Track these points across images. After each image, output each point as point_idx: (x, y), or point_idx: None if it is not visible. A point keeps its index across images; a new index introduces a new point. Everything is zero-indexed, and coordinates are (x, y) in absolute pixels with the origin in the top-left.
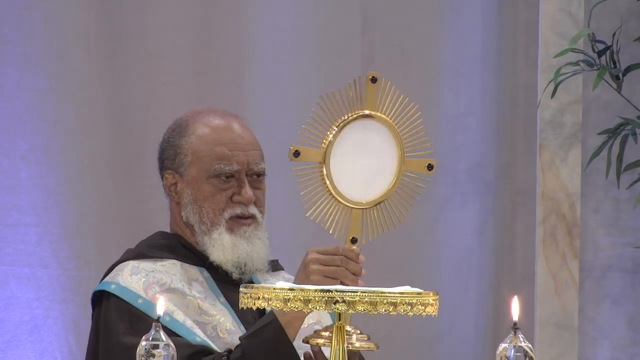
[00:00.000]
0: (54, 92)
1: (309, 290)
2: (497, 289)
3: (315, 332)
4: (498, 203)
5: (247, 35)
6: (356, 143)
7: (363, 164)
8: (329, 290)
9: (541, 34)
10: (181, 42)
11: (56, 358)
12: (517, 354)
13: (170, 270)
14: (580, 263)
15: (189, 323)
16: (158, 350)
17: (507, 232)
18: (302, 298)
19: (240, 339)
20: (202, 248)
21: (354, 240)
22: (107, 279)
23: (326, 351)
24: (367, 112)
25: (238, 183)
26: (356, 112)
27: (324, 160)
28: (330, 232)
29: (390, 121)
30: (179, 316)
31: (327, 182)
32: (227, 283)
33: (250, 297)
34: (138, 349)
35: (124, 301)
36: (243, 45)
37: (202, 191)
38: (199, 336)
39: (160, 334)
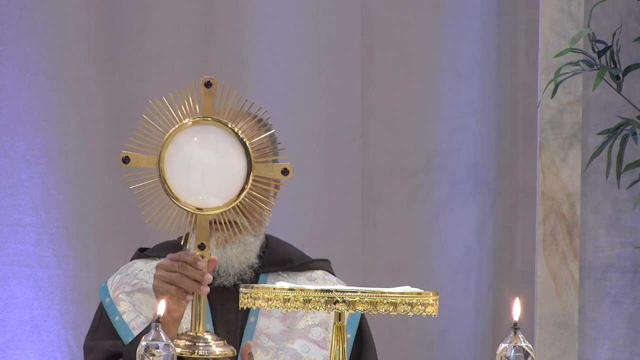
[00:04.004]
0: (54, 92)
1: (309, 290)
2: (497, 289)
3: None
4: (498, 203)
5: (247, 35)
6: (193, 148)
7: (204, 169)
8: (329, 291)
9: (541, 34)
10: (181, 42)
11: (56, 358)
12: (517, 354)
13: None
14: (580, 263)
15: (133, 325)
16: (158, 350)
17: (507, 232)
18: (301, 298)
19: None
20: None
21: (201, 247)
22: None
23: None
24: (201, 117)
25: None
26: (191, 117)
27: (159, 166)
28: (176, 238)
29: (231, 125)
30: (128, 317)
31: (165, 187)
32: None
33: (250, 297)
34: (138, 349)
35: (101, 300)
36: (243, 45)
37: None
38: None
39: (160, 334)
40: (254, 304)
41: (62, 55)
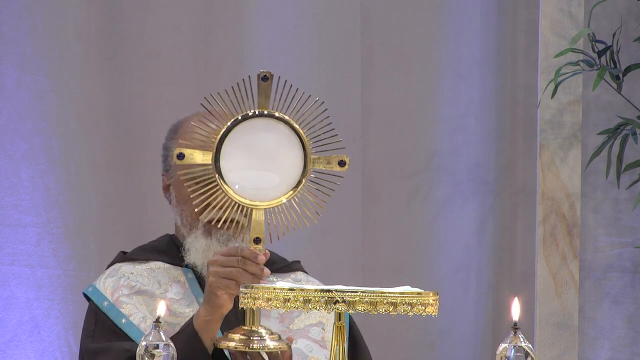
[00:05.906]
0: (54, 92)
1: (309, 290)
2: (497, 289)
3: (225, 334)
4: (498, 203)
5: (247, 35)
6: (250, 142)
7: (260, 164)
8: (329, 290)
9: (541, 34)
10: (181, 42)
11: (56, 358)
12: (517, 354)
13: (150, 272)
14: (580, 263)
15: (143, 326)
16: (158, 350)
17: (507, 232)
18: (301, 298)
19: None
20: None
21: (256, 241)
22: (93, 281)
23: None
24: (258, 111)
25: None
26: (247, 111)
27: (215, 162)
28: (231, 233)
29: (288, 119)
30: (136, 319)
31: (221, 183)
32: None
33: (250, 297)
34: (138, 349)
35: (94, 304)
36: (243, 45)
37: (182, 194)
38: None
39: (160, 334)
40: (254, 304)
41: (62, 55)
